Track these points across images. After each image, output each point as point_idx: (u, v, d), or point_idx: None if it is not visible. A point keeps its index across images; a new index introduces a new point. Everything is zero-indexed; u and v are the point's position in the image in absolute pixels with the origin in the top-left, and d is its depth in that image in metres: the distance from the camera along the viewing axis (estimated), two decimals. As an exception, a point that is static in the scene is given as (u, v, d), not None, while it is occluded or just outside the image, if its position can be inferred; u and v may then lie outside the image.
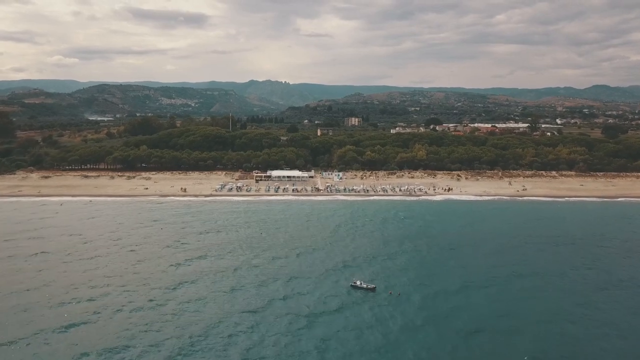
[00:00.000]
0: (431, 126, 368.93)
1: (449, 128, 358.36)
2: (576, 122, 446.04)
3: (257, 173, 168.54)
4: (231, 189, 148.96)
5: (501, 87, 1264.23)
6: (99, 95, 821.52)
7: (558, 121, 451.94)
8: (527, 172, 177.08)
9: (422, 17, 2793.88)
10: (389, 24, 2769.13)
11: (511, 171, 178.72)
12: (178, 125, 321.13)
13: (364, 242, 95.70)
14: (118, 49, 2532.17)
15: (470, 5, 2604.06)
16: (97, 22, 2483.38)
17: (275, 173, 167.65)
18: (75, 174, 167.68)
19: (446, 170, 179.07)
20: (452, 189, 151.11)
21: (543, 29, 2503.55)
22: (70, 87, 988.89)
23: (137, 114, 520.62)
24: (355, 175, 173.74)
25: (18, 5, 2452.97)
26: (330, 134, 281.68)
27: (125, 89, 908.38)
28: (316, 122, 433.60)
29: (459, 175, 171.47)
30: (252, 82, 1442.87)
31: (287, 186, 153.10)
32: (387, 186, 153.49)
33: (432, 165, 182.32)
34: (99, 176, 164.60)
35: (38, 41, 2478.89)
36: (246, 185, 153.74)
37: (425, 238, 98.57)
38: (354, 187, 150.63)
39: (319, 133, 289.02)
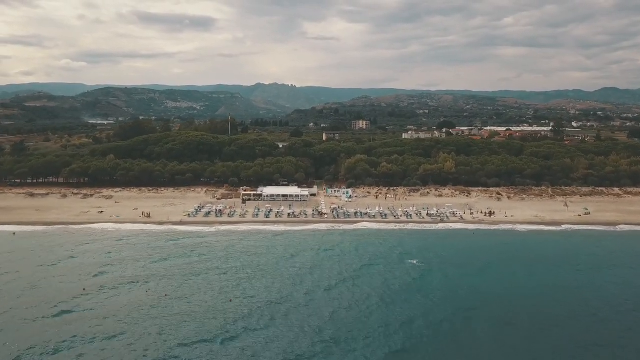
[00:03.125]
0: (444, 129, 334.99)
1: (462, 132, 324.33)
2: (593, 125, 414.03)
3: (245, 190, 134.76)
4: (209, 212, 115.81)
5: (509, 90, 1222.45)
6: (104, 98, 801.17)
7: (574, 124, 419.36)
8: (584, 189, 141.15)
9: (429, 20, 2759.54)
10: (396, 27, 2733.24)
11: (563, 188, 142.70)
12: (177, 128, 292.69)
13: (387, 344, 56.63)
14: (125, 53, 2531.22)
15: (477, 8, 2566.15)
16: (105, 26, 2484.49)
17: (268, 191, 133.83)
18: (21, 191, 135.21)
19: (481, 186, 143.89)
20: (494, 213, 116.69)
21: (551, 31, 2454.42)
22: (78, 91, 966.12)
23: (141, 117, 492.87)
24: (368, 192, 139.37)
25: (27, 9, 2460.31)
26: (337, 138, 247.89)
27: (130, 92, 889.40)
28: (322, 125, 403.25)
29: (498, 194, 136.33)
30: (259, 85, 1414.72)
31: (282, 209, 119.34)
32: (411, 208, 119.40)
33: (463, 179, 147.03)
34: (48, 194, 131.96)
35: (46, 45, 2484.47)
36: (229, 207, 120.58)
37: (485, 323, 62.30)
38: (368, 211, 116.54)
39: (324, 137, 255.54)
